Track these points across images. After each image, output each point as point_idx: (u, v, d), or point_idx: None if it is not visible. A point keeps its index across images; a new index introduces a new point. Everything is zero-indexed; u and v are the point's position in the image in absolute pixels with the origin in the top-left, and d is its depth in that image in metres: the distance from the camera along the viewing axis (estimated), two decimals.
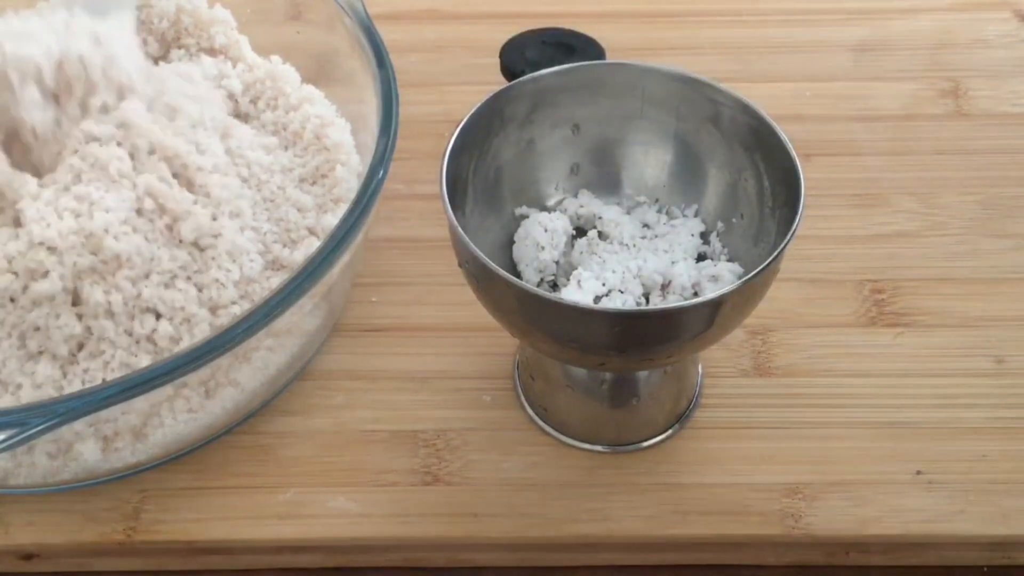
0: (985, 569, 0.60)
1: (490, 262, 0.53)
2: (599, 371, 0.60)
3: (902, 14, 0.84)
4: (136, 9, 0.69)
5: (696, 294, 0.59)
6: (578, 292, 0.58)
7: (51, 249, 0.58)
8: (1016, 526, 0.59)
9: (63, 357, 0.59)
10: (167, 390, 0.58)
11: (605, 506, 0.60)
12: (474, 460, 0.62)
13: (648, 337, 0.54)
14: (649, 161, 0.63)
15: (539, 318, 0.55)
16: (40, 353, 0.59)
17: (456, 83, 0.80)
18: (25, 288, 0.58)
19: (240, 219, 0.63)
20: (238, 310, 0.61)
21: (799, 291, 0.68)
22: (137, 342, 0.59)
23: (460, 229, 0.55)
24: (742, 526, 0.59)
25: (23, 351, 0.59)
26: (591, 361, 0.57)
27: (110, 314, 0.59)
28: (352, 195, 0.61)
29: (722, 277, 0.59)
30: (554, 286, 0.61)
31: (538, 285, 0.60)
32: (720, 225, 0.62)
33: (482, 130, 0.60)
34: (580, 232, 0.63)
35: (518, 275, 0.61)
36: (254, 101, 0.71)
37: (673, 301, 0.59)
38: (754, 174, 0.60)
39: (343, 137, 0.69)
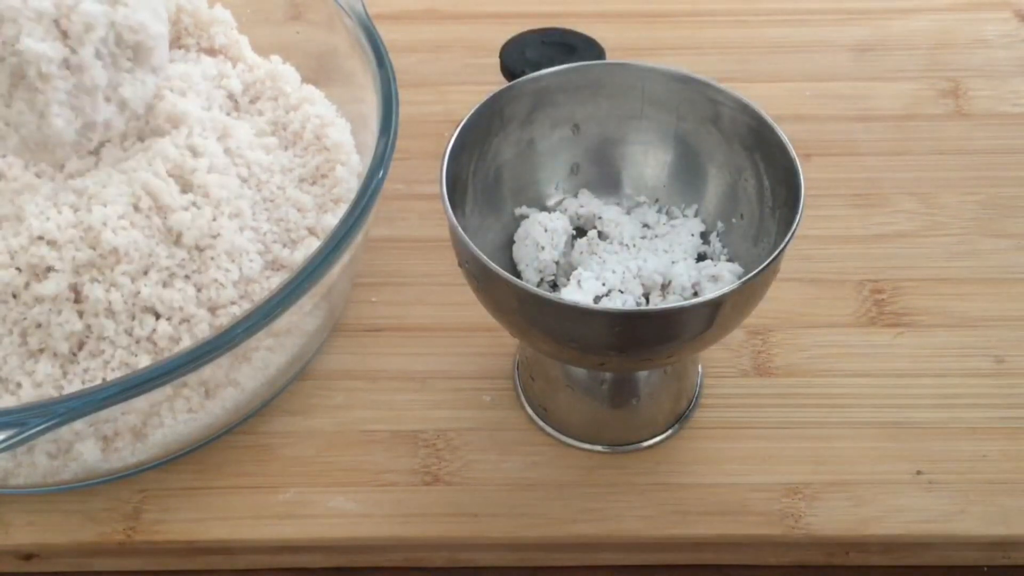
0: (985, 569, 0.60)
1: (490, 262, 0.53)
2: (599, 371, 0.60)
3: (902, 14, 0.84)
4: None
5: (696, 294, 0.59)
6: (578, 292, 0.58)
7: (51, 243, 0.59)
8: (1016, 526, 0.59)
9: (63, 355, 0.59)
10: (167, 390, 0.58)
11: (605, 506, 0.60)
12: (474, 460, 0.62)
13: (648, 337, 0.54)
14: (649, 161, 0.63)
15: (539, 318, 0.55)
16: (41, 351, 0.59)
17: (456, 83, 0.80)
18: (27, 284, 0.59)
19: (239, 219, 0.63)
20: (238, 310, 0.61)
21: (799, 291, 0.68)
22: (137, 342, 0.60)
23: (460, 229, 0.55)
24: (742, 526, 0.59)
25: (24, 348, 0.59)
26: (591, 361, 0.57)
27: (110, 312, 0.59)
28: (352, 195, 0.61)
29: (722, 277, 0.59)
30: (554, 286, 0.61)
31: (538, 285, 0.60)
32: (720, 225, 0.62)
33: (482, 130, 0.60)
34: (580, 232, 0.63)
35: (518, 275, 0.61)
36: (254, 101, 0.71)
37: (673, 301, 0.59)
38: (754, 174, 0.60)
39: (343, 137, 0.69)
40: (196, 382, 0.59)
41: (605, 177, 0.64)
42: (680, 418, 0.63)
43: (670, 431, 0.63)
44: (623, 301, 0.58)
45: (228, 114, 0.69)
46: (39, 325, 0.59)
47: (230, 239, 0.62)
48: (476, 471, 0.61)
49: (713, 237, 0.62)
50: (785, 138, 0.57)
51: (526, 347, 0.63)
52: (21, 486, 0.60)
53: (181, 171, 0.62)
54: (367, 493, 0.61)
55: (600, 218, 0.62)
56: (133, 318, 0.60)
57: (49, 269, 0.59)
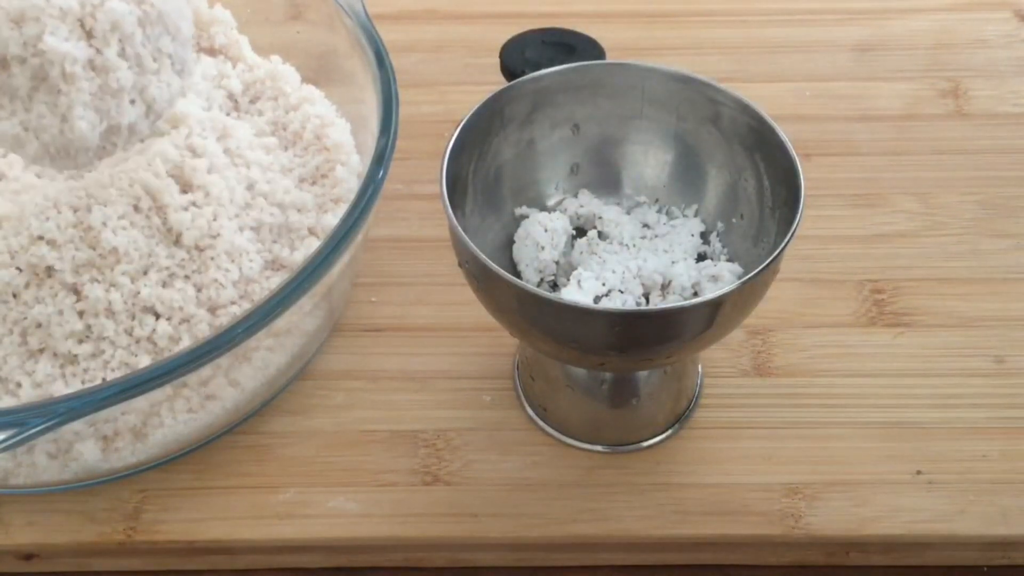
0: (985, 569, 0.60)
1: (490, 262, 0.53)
2: (599, 371, 0.60)
3: (902, 14, 0.84)
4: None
5: (696, 294, 0.59)
6: (578, 292, 0.58)
7: (51, 243, 0.59)
8: (1016, 526, 0.59)
9: (63, 355, 0.59)
10: (167, 390, 0.58)
11: (605, 506, 0.60)
12: (474, 460, 0.62)
13: (648, 337, 0.54)
14: (649, 161, 0.63)
15: (539, 318, 0.55)
16: (41, 351, 0.59)
17: (456, 83, 0.80)
18: (27, 284, 0.59)
19: (239, 219, 0.63)
20: (237, 310, 0.61)
21: (799, 291, 0.68)
22: (137, 342, 0.60)
23: (460, 229, 0.55)
24: (742, 526, 0.59)
25: (24, 348, 0.59)
26: (591, 361, 0.57)
27: (110, 313, 0.59)
28: (352, 195, 0.61)
29: (722, 277, 0.59)
30: (554, 286, 0.61)
31: (538, 285, 0.60)
32: (720, 225, 0.62)
33: (482, 130, 0.60)
34: (580, 232, 0.63)
35: (518, 275, 0.61)
36: (254, 101, 0.71)
37: (673, 301, 0.59)
38: (754, 174, 0.60)
39: (343, 137, 0.69)
40: (196, 382, 0.59)
41: (605, 177, 0.64)
42: (680, 418, 0.63)
43: (670, 431, 0.63)
44: (623, 301, 0.58)
45: (228, 114, 0.69)
46: (39, 325, 0.59)
47: (230, 239, 0.62)
48: (476, 471, 0.61)
49: (713, 237, 0.62)
50: (785, 138, 0.57)
51: (526, 347, 0.63)
52: (21, 486, 0.60)
53: (181, 171, 0.62)
54: (367, 493, 0.61)
55: (600, 218, 0.62)
56: (133, 318, 0.60)
57: (49, 269, 0.59)
